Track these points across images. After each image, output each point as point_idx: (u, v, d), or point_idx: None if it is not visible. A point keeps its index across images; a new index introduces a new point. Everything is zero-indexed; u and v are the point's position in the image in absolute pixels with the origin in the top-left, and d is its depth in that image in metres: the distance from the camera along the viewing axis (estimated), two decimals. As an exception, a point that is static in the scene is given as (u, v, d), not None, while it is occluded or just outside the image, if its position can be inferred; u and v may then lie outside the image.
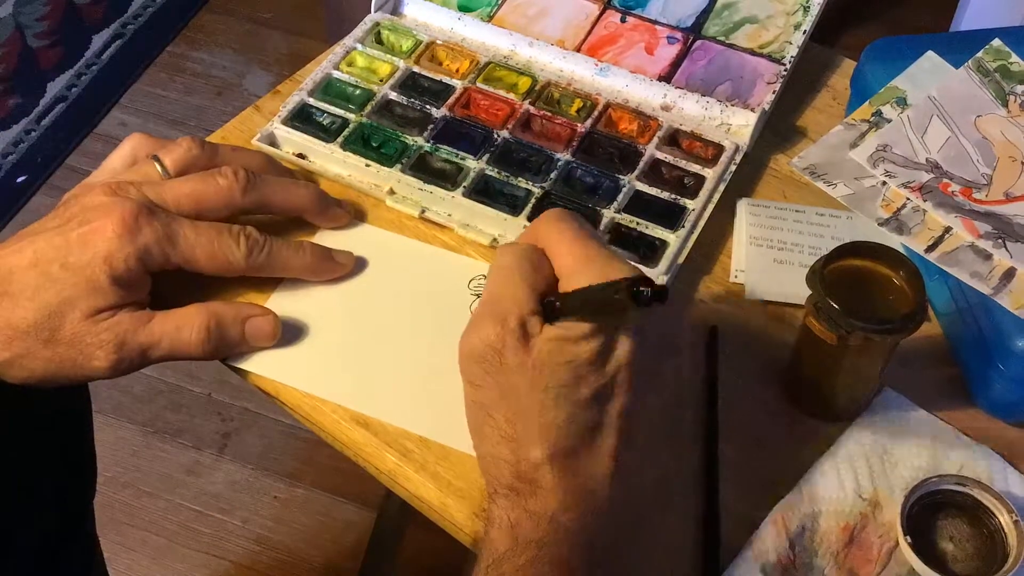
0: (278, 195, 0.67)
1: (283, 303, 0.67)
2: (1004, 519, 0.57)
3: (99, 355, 0.60)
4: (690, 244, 0.70)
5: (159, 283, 0.64)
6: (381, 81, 0.78)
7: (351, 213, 0.71)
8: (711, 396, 0.64)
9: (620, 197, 0.71)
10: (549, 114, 0.76)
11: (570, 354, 0.52)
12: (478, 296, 0.68)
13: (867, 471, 0.61)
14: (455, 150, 0.74)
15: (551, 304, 0.54)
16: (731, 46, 0.81)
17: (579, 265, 0.54)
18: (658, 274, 0.67)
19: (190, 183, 0.65)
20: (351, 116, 0.76)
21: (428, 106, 0.77)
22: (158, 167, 0.66)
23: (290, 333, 0.66)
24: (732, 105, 0.77)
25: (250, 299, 0.67)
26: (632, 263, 0.54)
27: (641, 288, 0.49)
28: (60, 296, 0.60)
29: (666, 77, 0.79)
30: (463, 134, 0.75)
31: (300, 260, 0.67)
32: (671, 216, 0.71)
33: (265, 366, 0.65)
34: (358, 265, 0.69)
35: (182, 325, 0.62)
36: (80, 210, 0.62)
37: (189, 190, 0.64)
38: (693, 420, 0.63)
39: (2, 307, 0.60)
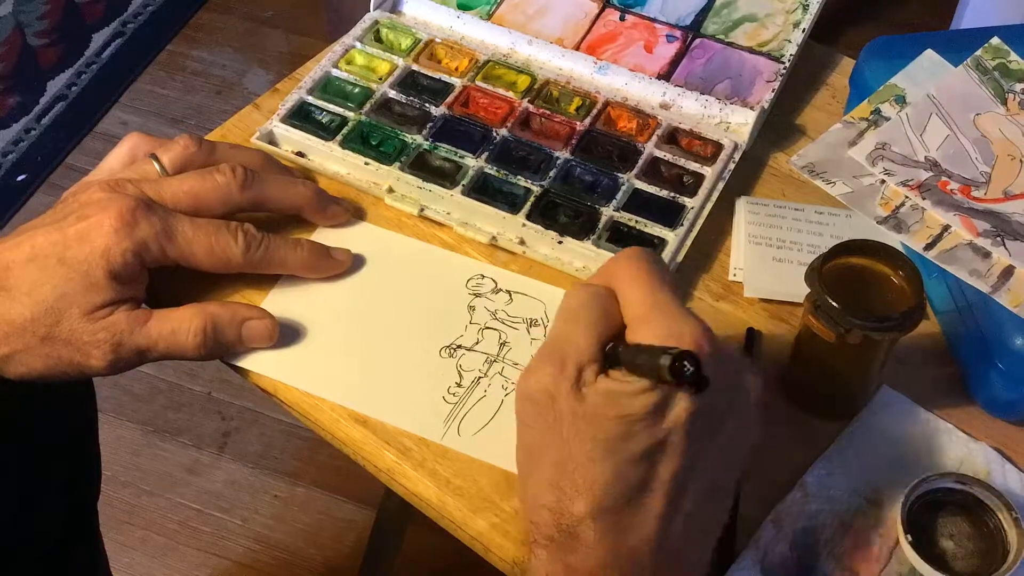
0: (276, 193, 0.67)
1: (280, 302, 0.67)
2: (1004, 517, 0.57)
3: (96, 354, 0.60)
4: (689, 242, 0.70)
5: (156, 282, 0.64)
6: (380, 79, 0.78)
7: (349, 211, 0.71)
8: None
9: (619, 195, 0.71)
10: (548, 112, 0.76)
11: (623, 408, 0.50)
12: (476, 295, 0.68)
13: (866, 470, 0.61)
14: (454, 148, 0.74)
15: (612, 353, 0.52)
16: (730, 44, 0.81)
17: (646, 314, 0.52)
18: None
19: (188, 180, 0.65)
20: (350, 114, 0.76)
21: (427, 104, 0.77)
22: (156, 165, 0.66)
23: (288, 332, 0.66)
24: (731, 103, 0.77)
25: (247, 298, 0.67)
26: (698, 317, 0.51)
27: (686, 364, 0.47)
28: (57, 291, 0.60)
29: (665, 75, 0.79)
30: (462, 132, 0.75)
31: (297, 256, 0.67)
32: (670, 214, 0.71)
33: (264, 365, 0.65)
34: (356, 264, 0.69)
35: (178, 327, 0.62)
36: (78, 206, 0.62)
37: (187, 187, 0.64)
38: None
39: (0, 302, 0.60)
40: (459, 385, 0.64)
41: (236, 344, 0.64)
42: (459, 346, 0.66)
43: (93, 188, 0.63)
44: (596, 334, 0.52)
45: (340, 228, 0.71)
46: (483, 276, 0.69)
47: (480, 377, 0.64)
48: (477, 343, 0.66)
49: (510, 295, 0.68)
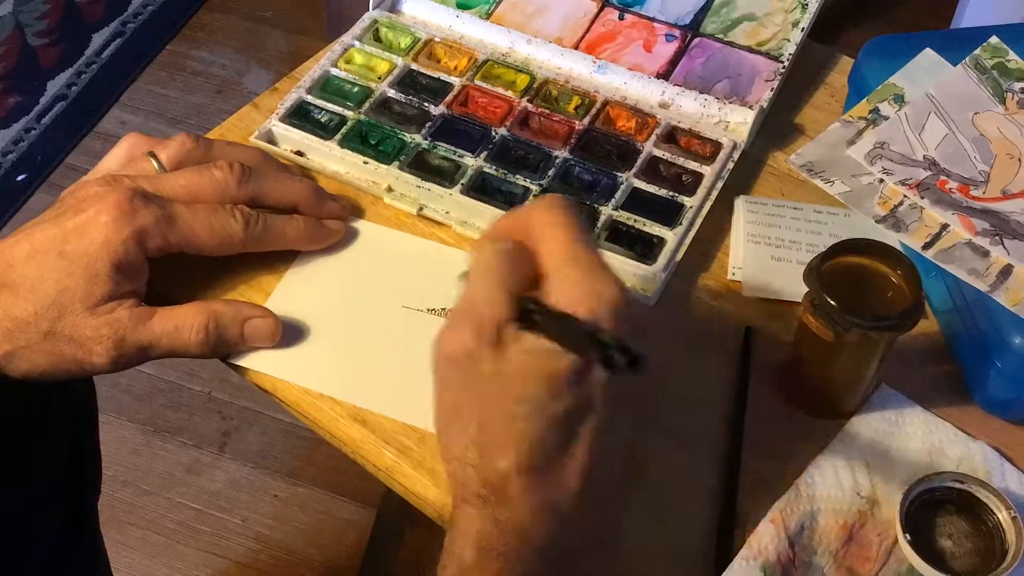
0: (273, 188, 0.68)
1: (283, 300, 0.67)
2: (1002, 516, 0.57)
3: (98, 350, 0.60)
4: (688, 241, 0.70)
5: (159, 284, 0.64)
6: (379, 79, 0.78)
7: (347, 208, 0.72)
8: (740, 400, 0.64)
9: (618, 194, 0.71)
10: (547, 111, 0.76)
11: (548, 368, 0.50)
12: None
13: (865, 469, 0.61)
14: (453, 147, 0.74)
15: (529, 311, 0.51)
16: (729, 44, 0.81)
17: (564, 267, 0.52)
18: (656, 271, 0.67)
19: (185, 176, 0.65)
20: (349, 113, 0.76)
21: (426, 103, 0.77)
22: (154, 163, 0.66)
23: (290, 330, 0.66)
24: (730, 103, 0.77)
25: (249, 298, 0.67)
26: (615, 275, 0.52)
27: (614, 354, 0.47)
28: (59, 286, 0.60)
29: (664, 74, 0.79)
30: (461, 132, 0.75)
31: (295, 229, 0.68)
32: (669, 213, 0.71)
33: (266, 363, 0.65)
34: (357, 261, 0.69)
35: (182, 324, 0.62)
36: (75, 201, 0.62)
37: (184, 182, 0.65)
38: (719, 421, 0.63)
39: (2, 299, 0.60)
40: None
41: (239, 342, 0.64)
42: None
43: (90, 184, 0.63)
44: (509, 291, 0.52)
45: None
46: None
47: None
48: None
49: None
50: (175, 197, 0.64)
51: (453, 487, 0.53)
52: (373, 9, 0.83)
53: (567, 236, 0.52)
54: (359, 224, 0.72)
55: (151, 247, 0.62)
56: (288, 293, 0.68)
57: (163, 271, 0.64)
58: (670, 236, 0.69)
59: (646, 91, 0.78)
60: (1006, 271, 0.65)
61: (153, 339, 0.62)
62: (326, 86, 0.78)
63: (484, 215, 0.70)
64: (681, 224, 0.70)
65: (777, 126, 0.79)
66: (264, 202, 0.67)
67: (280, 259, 0.69)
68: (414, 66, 0.79)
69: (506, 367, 0.51)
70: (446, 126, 0.75)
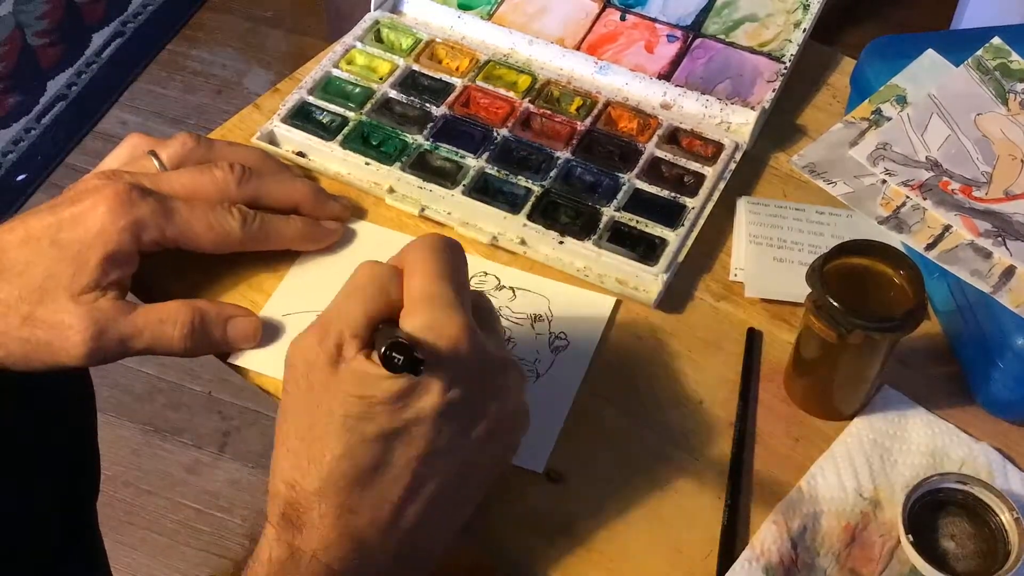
0: (274, 189, 0.68)
1: (283, 301, 0.67)
2: (1005, 517, 0.57)
3: (76, 339, 0.60)
4: (690, 242, 0.70)
5: (159, 279, 0.64)
6: (381, 79, 0.78)
7: (348, 208, 0.72)
8: (743, 401, 0.64)
9: (620, 195, 0.71)
10: (549, 112, 0.76)
11: (366, 388, 0.50)
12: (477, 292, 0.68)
13: (868, 470, 0.61)
14: (455, 148, 0.74)
15: (375, 332, 0.52)
16: (731, 44, 0.81)
17: (416, 302, 0.52)
18: (658, 272, 0.67)
19: (185, 175, 0.65)
20: (351, 114, 0.76)
21: (428, 104, 0.77)
22: (155, 162, 0.66)
23: (291, 330, 0.66)
24: (732, 103, 0.77)
25: (251, 298, 0.67)
26: (469, 319, 0.52)
27: (394, 354, 0.47)
28: (47, 272, 0.60)
29: (666, 75, 0.79)
30: (463, 132, 0.75)
31: (293, 229, 0.68)
32: (671, 214, 0.71)
33: (266, 364, 0.65)
34: (357, 264, 0.69)
35: (165, 319, 0.62)
36: (73, 194, 0.62)
37: (184, 181, 0.65)
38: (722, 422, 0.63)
39: None
40: None
41: (221, 342, 0.64)
42: None
43: (89, 179, 0.63)
44: (366, 311, 0.52)
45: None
46: (486, 273, 0.69)
47: None
48: None
49: (513, 291, 0.68)
50: (174, 194, 0.64)
51: (268, 500, 0.53)
52: (375, 10, 0.83)
53: (431, 274, 0.52)
54: (360, 225, 0.72)
55: (146, 240, 0.62)
56: (289, 294, 0.68)
57: (162, 271, 0.64)
58: (672, 237, 0.69)
59: (648, 92, 0.78)
60: (1008, 272, 0.65)
61: (135, 332, 0.61)
62: (328, 87, 0.78)
63: (486, 216, 0.70)
64: (683, 225, 0.70)
65: (779, 127, 0.79)
66: (264, 202, 0.67)
67: (281, 260, 0.69)
68: (416, 67, 0.79)
69: (333, 381, 0.50)
70: (448, 127, 0.75)
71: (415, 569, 0.55)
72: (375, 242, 0.71)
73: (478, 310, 0.54)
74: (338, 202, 0.71)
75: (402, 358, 0.48)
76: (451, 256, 0.54)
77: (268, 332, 0.65)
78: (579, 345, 0.66)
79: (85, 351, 0.60)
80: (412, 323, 0.51)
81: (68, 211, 0.61)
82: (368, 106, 0.76)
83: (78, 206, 0.61)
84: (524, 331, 0.67)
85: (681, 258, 0.69)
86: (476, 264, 0.70)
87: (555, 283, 0.69)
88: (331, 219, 0.71)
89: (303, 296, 0.67)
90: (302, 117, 0.76)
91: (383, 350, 0.48)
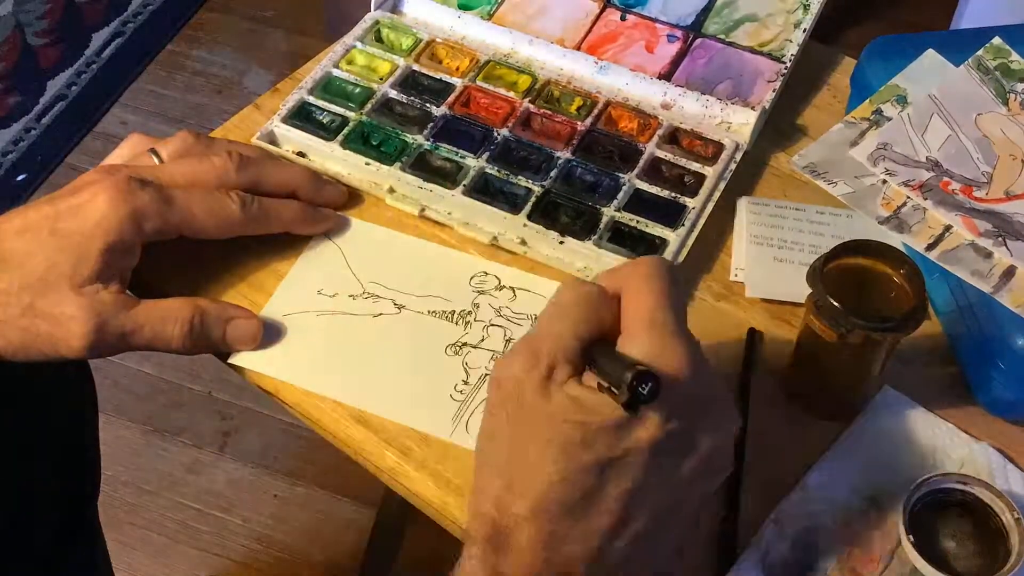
0: (272, 174, 0.68)
1: (285, 301, 0.67)
2: (1006, 517, 0.57)
3: (77, 332, 0.59)
4: (690, 242, 0.70)
5: (159, 277, 0.64)
6: (381, 79, 0.78)
7: (344, 193, 0.72)
8: (743, 401, 0.64)
9: (620, 195, 0.71)
10: (549, 112, 0.76)
11: (585, 414, 0.48)
12: (480, 292, 0.68)
13: (868, 470, 0.61)
14: (455, 148, 0.74)
15: (591, 355, 0.50)
16: (731, 44, 0.81)
17: (639, 328, 0.50)
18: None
19: (184, 164, 0.66)
20: (351, 114, 0.76)
21: (428, 104, 0.77)
22: (155, 159, 0.66)
23: (293, 332, 0.66)
24: (732, 103, 0.77)
25: (252, 297, 0.67)
26: (696, 350, 0.50)
27: (643, 386, 0.46)
28: (48, 262, 0.59)
29: (666, 75, 0.79)
30: (463, 132, 0.75)
31: (291, 211, 0.68)
32: (671, 214, 0.71)
33: (265, 364, 0.65)
34: (360, 262, 0.69)
35: (167, 316, 0.62)
36: (72, 186, 0.62)
37: (184, 170, 0.65)
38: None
39: None
40: (466, 383, 0.64)
41: (220, 342, 0.64)
42: (465, 343, 0.66)
43: (88, 173, 0.63)
44: (577, 333, 0.51)
45: (342, 229, 0.71)
46: (486, 273, 0.69)
47: (487, 374, 0.64)
48: (483, 340, 0.66)
49: (513, 291, 0.68)
50: (174, 184, 0.64)
51: (469, 517, 0.52)
52: (375, 10, 0.83)
53: (653, 299, 0.51)
54: (361, 226, 0.72)
55: (148, 229, 0.62)
56: (289, 294, 0.68)
57: (163, 268, 0.64)
58: (672, 237, 0.69)
59: (648, 92, 0.78)
60: (1009, 272, 0.65)
61: (136, 327, 0.61)
62: (328, 87, 0.78)
63: (486, 216, 0.70)
64: (683, 225, 0.70)
65: (779, 127, 0.78)
66: (263, 188, 0.68)
67: (281, 260, 0.69)
68: (416, 67, 0.79)
69: (547, 406, 0.49)
70: (448, 127, 0.75)
71: None
72: (375, 243, 0.71)
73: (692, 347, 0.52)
74: (335, 187, 0.72)
75: (648, 387, 0.46)
76: (673, 282, 0.52)
77: (268, 332, 0.65)
78: None
79: (85, 343, 0.60)
80: (634, 349, 0.49)
81: (67, 202, 0.61)
82: (368, 106, 0.76)
83: (77, 197, 0.61)
84: (525, 331, 0.66)
85: (681, 258, 0.69)
86: (476, 264, 0.70)
87: (555, 283, 0.69)
88: (328, 204, 0.71)
89: (304, 297, 0.67)
90: (302, 117, 0.76)
91: (631, 379, 0.46)
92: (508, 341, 0.66)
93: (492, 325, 0.67)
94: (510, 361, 0.51)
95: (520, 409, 0.50)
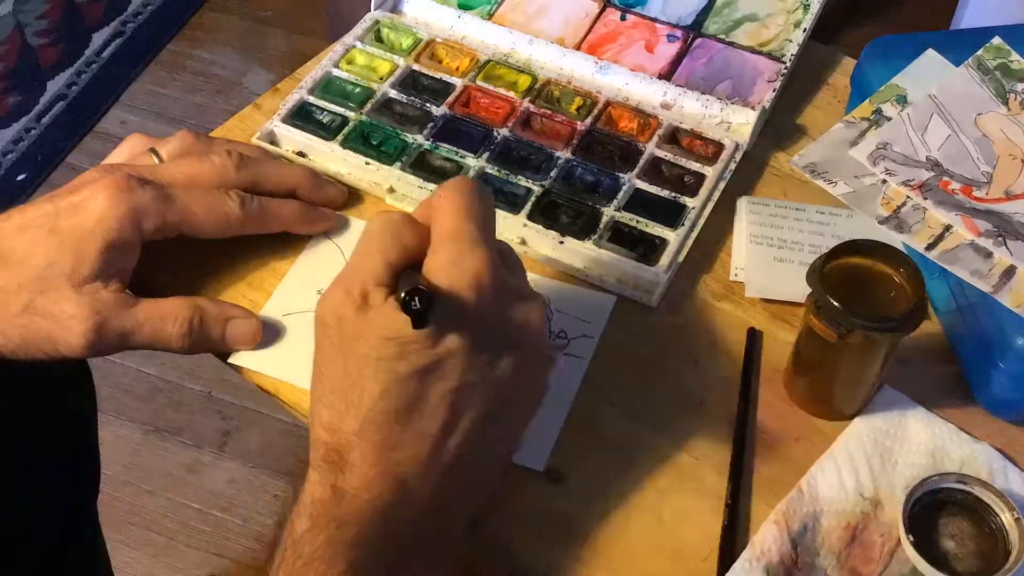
0: (271, 173, 0.69)
1: (283, 301, 0.67)
2: (1005, 517, 0.57)
3: (77, 329, 0.59)
4: (690, 242, 0.70)
5: (158, 276, 0.64)
6: (381, 79, 0.78)
7: (343, 192, 0.72)
8: (743, 401, 0.64)
9: (620, 195, 0.71)
10: (549, 112, 0.76)
11: (397, 329, 0.50)
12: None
13: (868, 470, 0.61)
14: (455, 148, 0.74)
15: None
16: (731, 44, 0.81)
17: (440, 241, 0.53)
18: (658, 272, 0.67)
19: (184, 163, 0.66)
20: (351, 114, 0.76)
21: (428, 104, 0.77)
22: (154, 158, 0.66)
23: (291, 331, 0.66)
24: (732, 103, 0.77)
25: (251, 298, 0.67)
26: (495, 255, 0.53)
27: (412, 300, 0.48)
28: (47, 260, 0.59)
29: (666, 75, 0.79)
30: (463, 132, 0.75)
31: (290, 210, 0.69)
32: (671, 214, 0.71)
33: (264, 363, 0.65)
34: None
35: (166, 315, 0.62)
36: (72, 185, 0.62)
37: (184, 169, 0.65)
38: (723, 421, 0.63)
39: None
40: None
41: (219, 342, 0.64)
42: None
43: (87, 172, 0.63)
44: (386, 259, 0.53)
45: (342, 229, 0.71)
46: None
47: None
48: None
49: None
50: (173, 182, 0.64)
51: (311, 450, 0.53)
52: (375, 9, 0.83)
53: (457, 215, 0.53)
54: (361, 225, 0.72)
55: (147, 227, 0.62)
56: (289, 294, 0.68)
57: (162, 269, 0.64)
58: (672, 237, 0.69)
59: (648, 92, 0.78)
60: (1009, 272, 0.65)
61: (136, 326, 0.61)
62: (328, 87, 0.78)
63: (486, 216, 0.70)
64: (683, 225, 0.70)
65: (779, 127, 0.78)
66: (263, 187, 0.68)
67: (280, 260, 0.70)
68: (416, 67, 0.79)
69: (364, 327, 0.51)
70: (448, 127, 0.75)
71: (455, 510, 0.55)
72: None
73: (500, 253, 0.55)
74: (335, 186, 0.72)
75: (419, 306, 0.48)
76: (479, 199, 0.55)
77: (268, 332, 0.65)
78: (580, 343, 0.66)
79: (85, 342, 0.60)
80: (436, 260, 0.52)
81: (67, 200, 0.61)
82: (368, 106, 0.76)
83: (77, 195, 0.61)
84: None
85: (681, 258, 0.69)
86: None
87: (555, 282, 0.69)
88: (327, 203, 0.71)
89: (303, 296, 0.67)
90: (302, 117, 0.76)
91: (403, 295, 0.48)
92: None
93: None
94: (328, 297, 0.53)
95: (342, 338, 0.52)
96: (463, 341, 0.51)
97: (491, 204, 0.56)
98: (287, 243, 0.70)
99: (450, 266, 0.51)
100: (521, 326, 0.54)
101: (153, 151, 0.67)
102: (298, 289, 0.68)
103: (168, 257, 0.65)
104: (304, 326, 0.66)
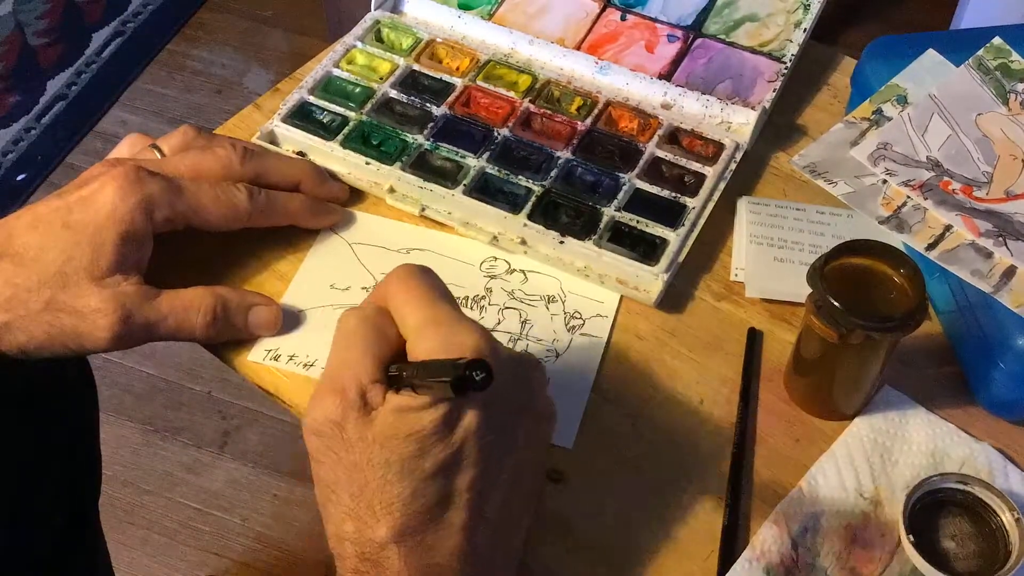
0: (275, 166, 0.69)
1: (298, 297, 0.68)
2: (1006, 517, 0.57)
3: (102, 324, 0.59)
4: (690, 242, 0.70)
5: (170, 268, 0.64)
6: (381, 79, 0.78)
7: (345, 189, 0.73)
8: (743, 401, 0.64)
9: (620, 195, 0.71)
10: (549, 112, 0.76)
11: (413, 425, 0.48)
12: (491, 277, 0.69)
13: (868, 470, 0.61)
14: (455, 148, 0.74)
15: (393, 375, 0.50)
16: (731, 44, 0.81)
17: (425, 329, 0.50)
18: (658, 272, 0.67)
19: (189, 156, 0.66)
20: (351, 114, 0.76)
21: (428, 104, 0.77)
22: (156, 154, 0.67)
23: (309, 325, 0.66)
24: (732, 103, 0.77)
25: (268, 289, 0.68)
26: (480, 325, 0.51)
27: (476, 373, 0.46)
28: (64, 255, 0.59)
29: (666, 75, 0.79)
30: (463, 132, 0.75)
31: (297, 203, 0.69)
32: (671, 214, 0.71)
33: (284, 360, 0.65)
34: (370, 254, 0.70)
35: (190, 306, 0.62)
36: (79, 180, 0.62)
37: (189, 162, 0.65)
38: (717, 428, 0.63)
39: (2, 268, 0.59)
40: None
41: (242, 329, 0.64)
42: None
43: (93, 167, 0.63)
44: (373, 355, 0.51)
45: (348, 223, 0.72)
46: (495, 258, 0.70)
47: None
48: (499, 323, 0.66)
49: (524, 274, 0.69)
50: (180, 175, 0.64)
51: (337, 564, 0.52)
52: (375, 9, 0.83)
53: (423, 301, 0.51)
54: (367, 218, 0.72)
55: (158, 218, 0.62)
56: (303, 290, 0.68)
57: (163, 270, 0.64)
58: (672, 237, 0.69)
59: (648, 92, 0.78)
60: (1009, 272, 0.65)
61: (160, 318, 0.61)
62: (328, 86, 0.78)
63: (487, 216, 0.70)
64: (683, 225, 0.70)
65: (779, 127, 0.79)
66: (267, 181, 0.68)
67: (296, 251, 0.70)
68: (416, 67, 0.79)
69: (371, 431, 0.49)
70: (448, 127, 0.75)
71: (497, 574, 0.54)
72: (382, 234, 0.71)
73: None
74: (337, 183, 0.72)
75: (484, 373, 0.46)
76: (430, 279, 0.53)
77: (287, 327, 0.66)
78: (595, 323, 0.66)
79: (111, 335, 0.60)
80: (426, 346, 0.50)
81: (76, 194, 0.61)
82: (368, 106, 0.76)
83: (85, 189, 0.61)
84: (540, 312, 0.67)
85: (681, 258, 0.69)
86: (485, 251, 0.70)
87: (562, 272, 0.69)
88: (331, 198, 0.72)
89: (318, 291, 0.68)
90: (302, 117, 0.76)
91: (469, 373, 0.46)
92: (524, 322, 0.66)
93: (507, 308, 0.67)
94: (320, 406, 0.50)
95: (347, 447, 0.50)
96: (479, 418, 0.49)
97: (440, 279, 0.54)
98: (288, 244, 0.70)
99: (446, 348, 0.49)
100: (526, 384, 0.53)
101: (155, 147, 0.67)
102: (312, 285, 0.68)
103: (168, 258, 0.65)
104: (322, 321, 0.66)
